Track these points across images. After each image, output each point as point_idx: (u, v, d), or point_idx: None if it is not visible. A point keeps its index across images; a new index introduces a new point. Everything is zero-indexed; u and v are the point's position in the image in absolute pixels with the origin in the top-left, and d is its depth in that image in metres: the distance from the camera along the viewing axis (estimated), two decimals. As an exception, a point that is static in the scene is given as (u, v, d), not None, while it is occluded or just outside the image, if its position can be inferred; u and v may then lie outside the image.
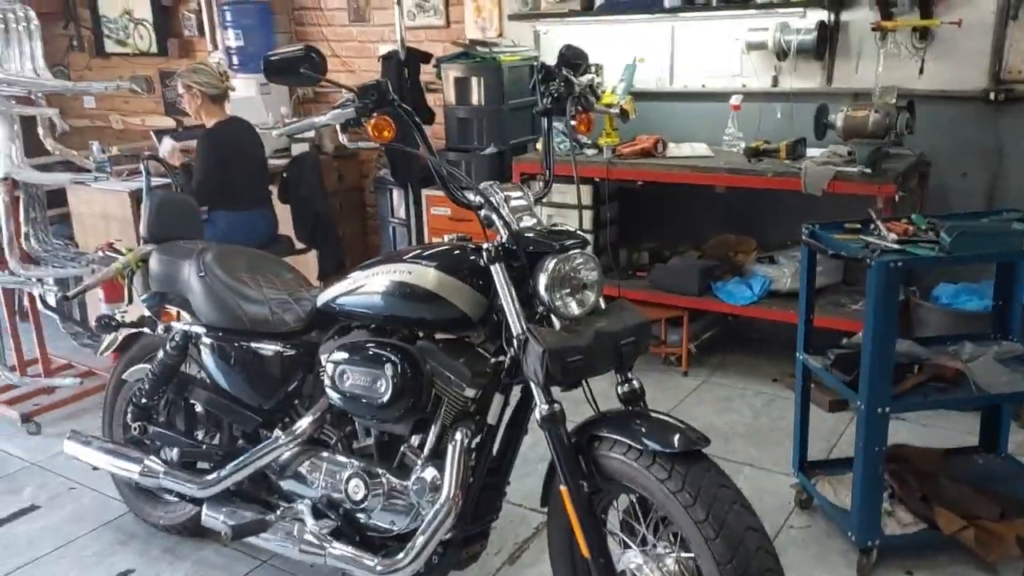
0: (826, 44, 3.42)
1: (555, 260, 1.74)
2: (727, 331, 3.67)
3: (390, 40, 4.70)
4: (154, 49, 5.54)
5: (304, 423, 2.10)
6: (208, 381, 2.31)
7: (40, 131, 3.27)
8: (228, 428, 2.33)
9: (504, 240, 1.81)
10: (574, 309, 1.77)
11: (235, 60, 4.94)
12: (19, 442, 3.13)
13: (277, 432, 2.16)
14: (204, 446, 2.34)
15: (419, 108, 4.11)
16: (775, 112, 3.61)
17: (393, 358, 1.86)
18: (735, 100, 3.54)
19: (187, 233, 2.57)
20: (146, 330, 2.45)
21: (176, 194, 2.60)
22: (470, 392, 1.88)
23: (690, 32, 3.75)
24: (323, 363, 2.04)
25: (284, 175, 4.06)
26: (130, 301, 2.46)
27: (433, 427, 1.92)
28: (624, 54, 3.82)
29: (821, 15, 3.39)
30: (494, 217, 1.86)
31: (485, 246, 1.81)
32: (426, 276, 1.88)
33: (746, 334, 3.56)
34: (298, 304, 2.21)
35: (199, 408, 2.39)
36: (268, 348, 2.19)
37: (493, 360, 1.89)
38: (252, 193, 3.82)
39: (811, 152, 3.30)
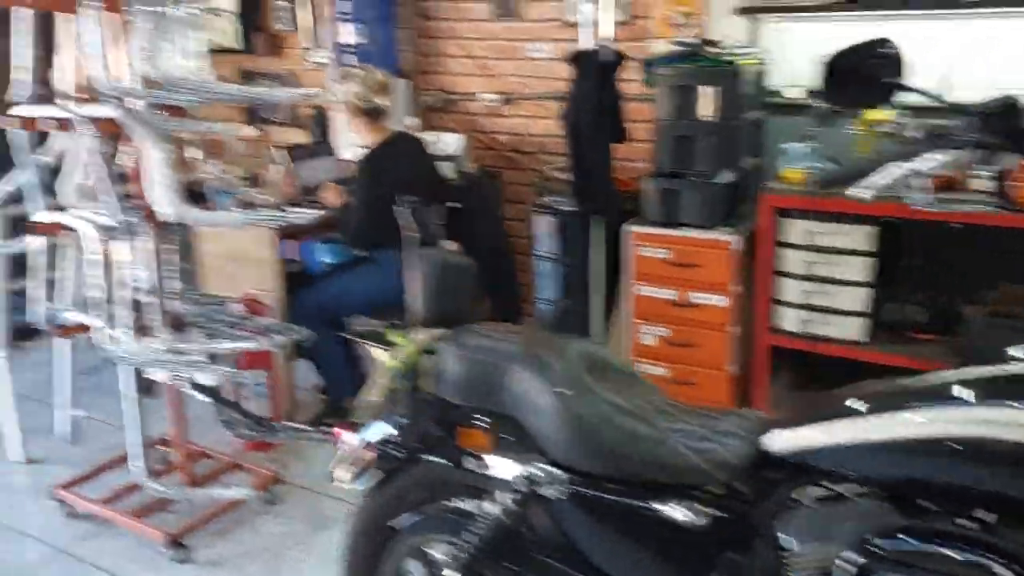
0: None
1: None
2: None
3: (547, 39, 3.94)
4: (238, 45, 4.69)
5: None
6: (569, 554, 1.52)
7: (190, 154, 2.45)
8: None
9: None
10: None
11: (351, 61, 4.14)
12: (167, 576, 2.32)
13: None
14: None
15: (614, 124, 3.35)
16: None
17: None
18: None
19: (468, 311, 1.80)
20: (434, 459, 1.66)
21: (455, 255, 1.82)
22: None
23: (993, 31, 3.02)
24: (788, 550, 1.29)
25: (455, 205, 3.26)
26: (415, 414, 1.66)
27: None
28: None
29: None
30: None
31: None
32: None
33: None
34: (719, 442, 1.44)
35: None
36: (679, 512, 1.41)
37: None
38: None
39: None
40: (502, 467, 1.54)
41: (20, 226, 2.68)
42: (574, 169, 3.40)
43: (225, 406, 2.46)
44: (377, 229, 2.89)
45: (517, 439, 1.57)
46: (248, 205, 2.98)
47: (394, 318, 3.30)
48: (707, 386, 3.13)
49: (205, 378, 2.39)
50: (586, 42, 3.37)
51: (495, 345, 1.62)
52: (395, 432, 1.68)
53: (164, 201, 2.14)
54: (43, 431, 3.09)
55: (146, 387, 2.78)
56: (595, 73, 3.25)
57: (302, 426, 2.51)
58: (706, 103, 3.06)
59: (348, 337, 3.24)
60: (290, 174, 3.45)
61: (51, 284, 2.42)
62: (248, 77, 4.68)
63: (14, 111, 2.14)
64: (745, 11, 3.29)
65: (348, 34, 4.09)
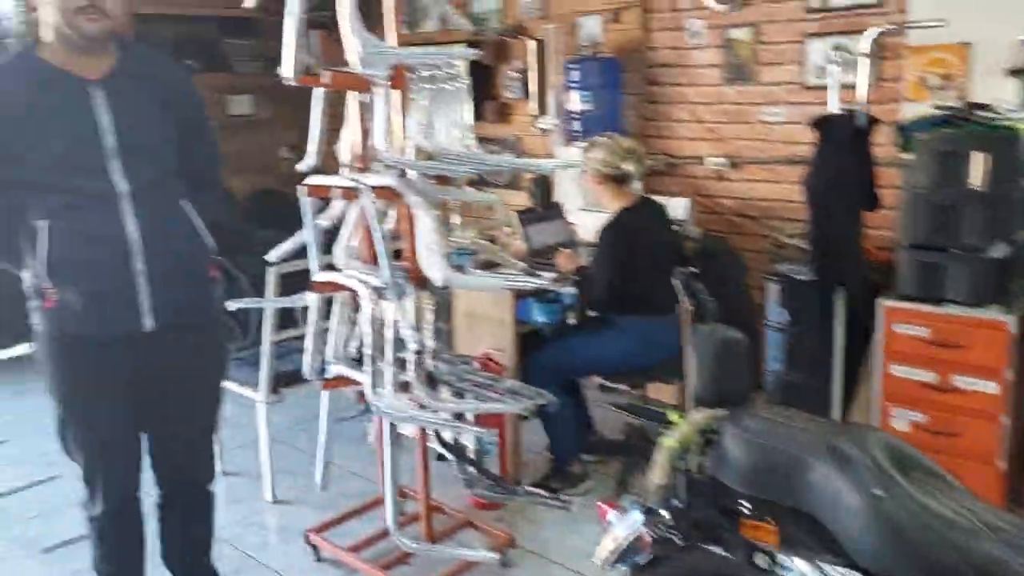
0: None
1: None
2: None
3: (783, 102, 3.83)
4: (467, 113, 4.93)
5: None
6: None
7: (452, 219, 2.58)
8: None
9: None
10: None
11: (577, 126, 4.23)
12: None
13: None
14: None
15: (866, 191, 3.16)
16: None
17: None
18: None
19: (746, 390, 1.72)
20: (717, 550, 1.58)
21: (727, 329, 1.76)
22: None
23: None
24: None
25: (694, 269, 3.18)
26: (692, 498, 1.60)
27: None
28: None
29: None
30: None
31: None
32: None
33: None
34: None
35: None
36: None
37: None
38: (665, 294, 2.99)
39: None
40: (802, 569, 1.43)
41: (289, 281, 2.93)
42: (816, 237, 3.23)
43: (469, 464, 2.51)
44: (621, 294, 2.88)
45: (811, 537, 1.46)
46: (487, 267, 3.09)
47: (631, 384, 3.27)
48: (971, 481, 2.71)
49: (452, 435, 2.46)
50: (832, 105, 3.23)
51: (785, 432, 1.53)
52: (668, 516, 1.62)
53: (433, 265, 2.25)
54: (289, 473, 3.32)
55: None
56: (845, 137, 3.09)
57: (541, 492, 2.50)
58: (976, 170, 2.81)
59: (580, 400, 3.26)
60: (521, 237, 3.55)
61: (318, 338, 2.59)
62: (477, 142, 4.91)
63: (308, 180, 2.34)
64: (1018, 72, 3.02)
65: (575, 101, 4.18)
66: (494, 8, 4.76)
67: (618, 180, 3.00)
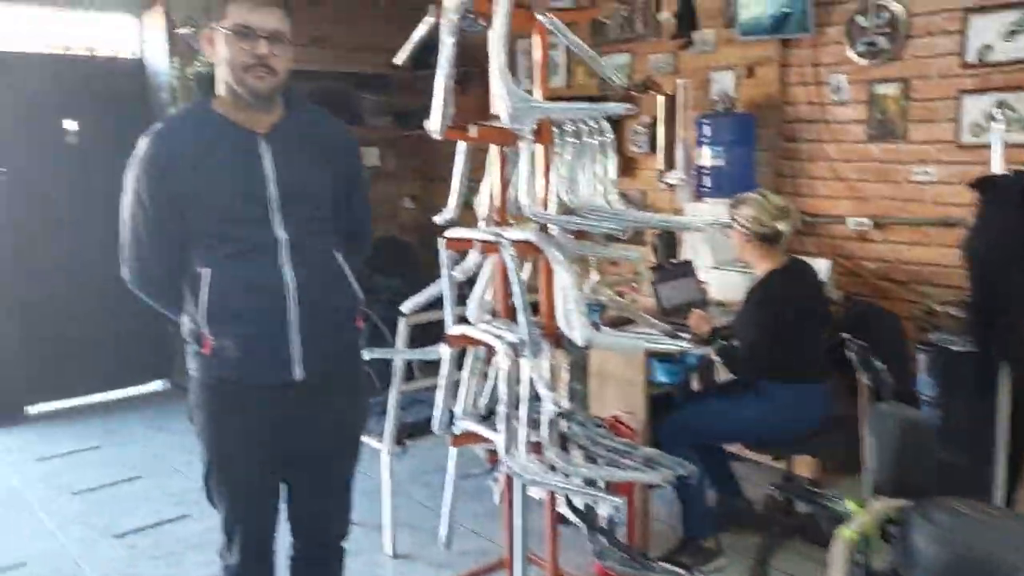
0: None
1: None
2: None
3: (934, 161, 3.61)
4: (590, 167, 4.91)
5: None
6: None
7: (595, 277, 2.51)
8: None
9: None
10: None
11: (707, 182, 4.13)
12: None
13: None
14: None
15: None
16: None
17: None
18: None
19: (931, 478, 1.55)
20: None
21: (910, 409, 1.60)
22: None
23: None
24: None
25: (844, 335, 2.98)
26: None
27: None
28: None
29: None
30: None
31: None
32: None
33: None
34: None
35: None
36: None
37: None
38: (813, 360, 2.82)
39: None
40: None
41: (414, 332, 2.93)
42: (976, 305, 2.98)
43: (600, 533, 2.38)
44: (767, 358, 2.73)
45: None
46: (614, 324, 3.00)
47: (775, 455, 3.05)
48: None
49: (581, 502, 2.35)
50: (996, 166, 3.01)
51: (986, 530, 1.36)
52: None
53: (574, 324, 2.17)
54: (407, 525, 3.27)
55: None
56: (1012, 200, 2.85)
57: (679, 569, 2.34)
58: None
59: (725, 468, 3.08)
60: (648, 293, 3.44)
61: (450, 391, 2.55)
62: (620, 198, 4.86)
63: (448, 233, 2.33)
64: None
65: (706, 156, 4.08)
66: (623, 63, 4.76)
67: (768, 239, 2.86)
